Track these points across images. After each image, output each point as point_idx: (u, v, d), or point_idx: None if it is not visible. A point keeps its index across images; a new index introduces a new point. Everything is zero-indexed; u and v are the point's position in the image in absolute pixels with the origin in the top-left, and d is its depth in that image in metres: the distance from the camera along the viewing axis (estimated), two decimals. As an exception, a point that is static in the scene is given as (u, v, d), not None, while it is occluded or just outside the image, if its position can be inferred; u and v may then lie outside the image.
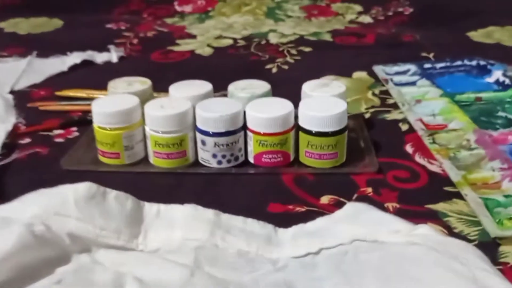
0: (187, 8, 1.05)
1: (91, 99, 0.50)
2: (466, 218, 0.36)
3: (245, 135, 0.43)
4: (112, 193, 0.34)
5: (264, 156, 0.43)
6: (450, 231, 0.35)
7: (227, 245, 0.32)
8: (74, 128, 0.52)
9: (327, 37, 0.80)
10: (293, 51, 0.73)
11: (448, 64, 0.61)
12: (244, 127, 0.43)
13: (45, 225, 0.31)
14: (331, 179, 0.42)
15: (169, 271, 0.30)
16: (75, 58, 0.72)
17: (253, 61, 0.71)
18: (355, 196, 0.39)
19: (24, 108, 0.58)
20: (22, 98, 0.61)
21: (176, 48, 0.78)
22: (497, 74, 0.57)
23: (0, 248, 0.29)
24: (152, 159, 0.44)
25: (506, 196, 0.36)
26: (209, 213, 0.34)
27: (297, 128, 0.43)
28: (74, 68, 0.70)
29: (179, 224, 0.34)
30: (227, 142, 0.42)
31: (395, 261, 0.28)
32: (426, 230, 0.29)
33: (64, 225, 0.32)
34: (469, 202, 0.36)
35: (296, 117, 0.43)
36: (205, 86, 0.47)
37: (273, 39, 0.81)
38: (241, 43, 0.80)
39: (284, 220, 0.36)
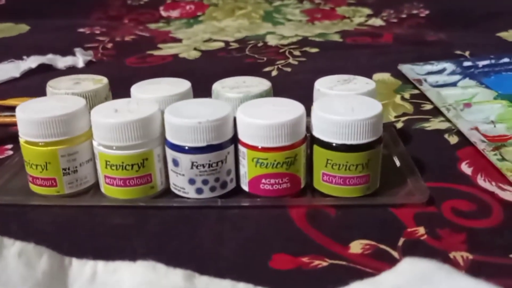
0: (174, 13, 0.93)
1: None
2: None
3: (236, 151, 0.30)
4: (14, 248, 0.21)
5: (263, 181, 0.30)
6: None
7: None
8: (9, 146, 0.39)
9: (336, 38, 0.68)
10: (296, 52, 0.61)
11: (493, 61, 0.49)
12: (235, 140, 0.30)
13: None
14: (362, 214, 0.29)
15: None
16: (30, 62, 0.59)
17: (248, 63, 0.58)
18: (401, 240, 0.26)
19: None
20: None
21: (156, 52, 0.66)
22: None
23: None
24: (103, 187, 0.31)
25: None
26: (177, 276, 0.21)
27: (311, 140, 0.30)
28: (29, 74, 0.58)
29: None
30: (210, 161, 0.29)
31: None
32: None
33: None
34: None
35: (308, 126, 0.30)
36: (181, 84, 0.34)
37: (272, 40, 0.69)
38: (234, 45, 0.67)
39: (298, 283, 0.23)
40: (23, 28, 0.81)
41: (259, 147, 0.29)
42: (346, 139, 0.28)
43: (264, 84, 0.34)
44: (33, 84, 0.55)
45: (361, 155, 0.29)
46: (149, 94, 0.33)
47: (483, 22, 0.76)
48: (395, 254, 0.25)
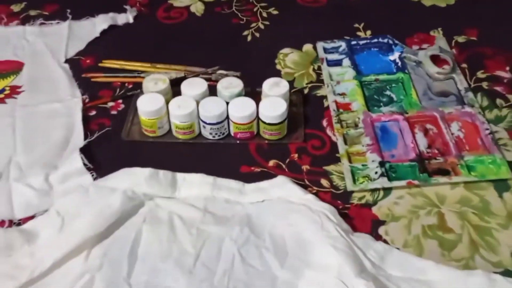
0: None
1: (126, 70, 0.86)
2: (342, 176, 0.70)
3: (228, 121, 0.74)
4: (161, 172, 0.67)
5: (239, 134, 0.74)
6: (332, 184, 0.69)
7: (220, 197, 0.66)
8: (120, 101, 0.82)
9: (291, -6, 1.04)
10: (264, 14, 0.98)
11: (368, 41, 0.89)
12: (228, 117, 0.74)
13: (132, 191, 0.65)
14: (276, 147, 0.74)
15: (193, 212, 0.65)
16: (102, 22, 0.96)
17: (234, 25, 0.96)
18: (287, 160, 0.72)
19: (78, 78, 0.86)
20: (74, 67, 0.88)
21: (175, 3, 1.02)
22: (396, 55, 0.86)
23: (112, 205, 0.63)
24: (174, 133, 0.75)
25: (363, 165, 0.70)
26: (210, 179, 0.67)
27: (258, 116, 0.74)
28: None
29: (197, 185, 0.67)
30: (218, 127, 0.73)
31: (285, 207, 0.63)
32: (302, 194, 0.64)
33: (140, 189, 0.65)
34: (343, 169, 0.70)
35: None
36: (203, 85, 0.76)
37: (250, -8, 1.04)
38: (225, -4, 1.03)
39: (249, 178, 0.70)
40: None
41: (237, 122, 0.73)
42: (270, 121, 0.72)
43: (239, 85, 0.76)
44: (109, 39, 0.94)
45: (277, 126, 0.73)
46: (190, 92, 0.75)
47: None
48: (285, 167, 0.71)
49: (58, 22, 0.98)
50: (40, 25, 0.97)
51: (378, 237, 0.63)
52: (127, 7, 1.00)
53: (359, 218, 0.66)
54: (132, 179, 0.66)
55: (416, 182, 0.68)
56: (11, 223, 0.65)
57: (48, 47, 0.92)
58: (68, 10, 0.99)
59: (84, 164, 0.70)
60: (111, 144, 0.76)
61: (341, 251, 0.58)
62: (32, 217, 0.65)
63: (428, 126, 0.75)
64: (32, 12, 1.00)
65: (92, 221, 0.62)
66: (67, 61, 0.90)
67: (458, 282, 0.57)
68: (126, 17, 0.98)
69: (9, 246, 0.61)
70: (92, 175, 0.70)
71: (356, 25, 0.95)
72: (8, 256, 0.60)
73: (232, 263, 0.60)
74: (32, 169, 0.70)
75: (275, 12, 0.99)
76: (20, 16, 1.00)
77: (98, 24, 0.97)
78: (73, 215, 0.63)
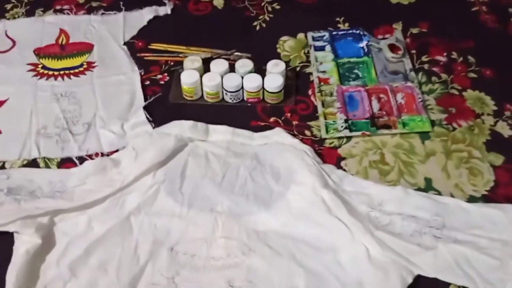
0: None
1: (169, 51, 1.16)
2: (319, 128, 1.03)
3: (243, 90, 1.07)
4: (199, 123, 1.01)
5: (250, 99, 1.08)
6: (312, 133, 1.03)
7: (237, 141, 1.00)
8: (166, 74, 1.15)
9: (291, -8, 1.35)
10: (269, 8, 1.30)
11: (345, 32, 1.20)
12: (242, 87, 1.07)
13: (180, 135, 0.99)
14: (276, 108, 1.08)
15: (220, 150, 0.99)
16: (148, 13, 1.28)
17: (246, 17, 1.28)
18: (283, 117, 1.06)
19: (134, 56, 1.19)
20: (130, 49, 1.21)
21: (201, -3, 1.34)
22: (364, 43, 1.18)
23: (168, 144, 0.97)
24: (205, 97, 1.09)
25: (333, 121, 1.03)
26: (230, 129, 1.02)
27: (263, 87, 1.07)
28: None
29: (222, 133, 1.01)
30: (236, 94, 1.07)
31: (280, 148, 0.97)
32: (292, 140, 0.98)
33: (186, 135, 0.99)
34: (320, 123, 1.03)
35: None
36: (225, 65, 1.09)
37: (259, -10, 1.35)
38: (240, -7, 1.34)
39: (256, 129, 1.04)
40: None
41: (249, 91, 1.06)
42: (271, 90, 1.05)
43: (250, 65, 1.08)
44: (154, 27, 1.26)
45: (276, 94, 1.06)
46: (216, 69, 1.08)
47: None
48: (281, 122, 1.05)
49: (115, 13, 1.30)
50: (102, 15, 1.29)
51: (340, 167, 0.98)
52: (166, 1, 1.31)
53: (328, 155, 1.00)
54: (180, 128, 1.00)
55: (368, 133, 1.02)
56: (102, 155, 1.00)
57: (109, 33, 1.24)
58: (121, 2, 1.31)
59: (146, 118, 1.05)
60: (162, 104, 1.09)
61: (314, 174, 0.93)
62: (115, 151, 1.00)
63: (381, 95, 1.09)
64: (94, 4, 1.33)
65: (156, 154, 0.96)
66: (124, 43, 1.22)
67: (386, 193, 0.92)
68: (165, 9, 1.30)
69: (104, 168, 0.96)
70: (152, 125, 1.04)
71: (338, 19, 1.26)
72: (104, 174, 0.95)
73: (245, 181, 0.94)
74: (111, 120, 1.05)
75: (278, 7, 1.31)
76: (85, 7, 1.32)
77: (145, 14, 1.28)
78: (143, 150, 0.98)
